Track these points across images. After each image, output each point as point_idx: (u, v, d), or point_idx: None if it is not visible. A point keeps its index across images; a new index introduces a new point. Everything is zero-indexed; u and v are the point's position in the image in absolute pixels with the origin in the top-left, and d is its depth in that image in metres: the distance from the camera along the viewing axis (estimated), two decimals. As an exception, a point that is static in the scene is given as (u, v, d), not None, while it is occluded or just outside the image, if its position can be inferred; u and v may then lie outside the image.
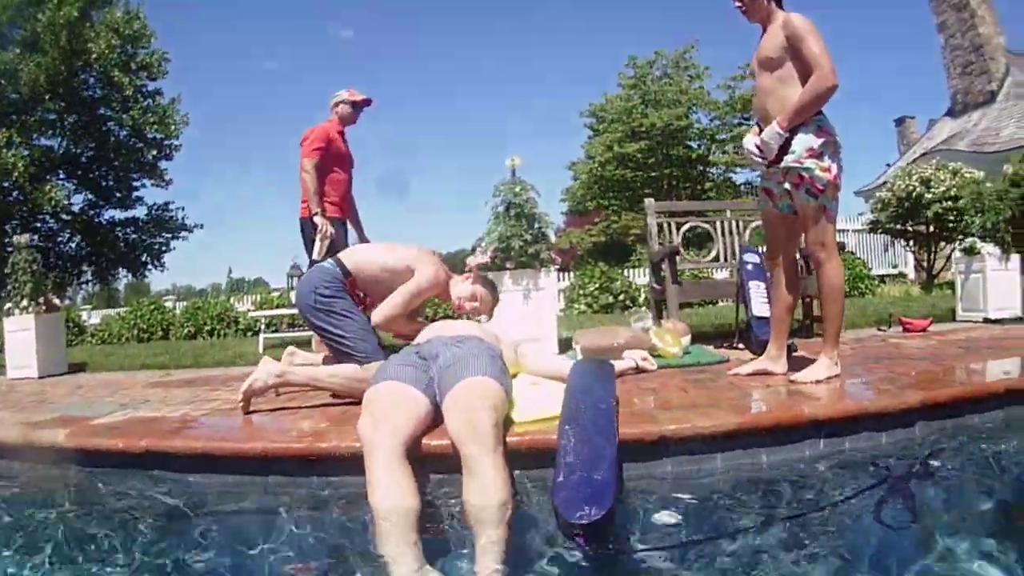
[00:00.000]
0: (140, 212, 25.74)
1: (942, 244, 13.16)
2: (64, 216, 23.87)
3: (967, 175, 12.09)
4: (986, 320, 7.10)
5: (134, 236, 25.58)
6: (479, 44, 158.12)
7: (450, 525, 2.52)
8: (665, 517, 2.49)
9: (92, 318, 17.61)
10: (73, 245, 25.26)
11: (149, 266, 26.24)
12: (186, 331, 14.32)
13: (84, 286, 28.46)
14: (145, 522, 2.74)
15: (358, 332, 4.16)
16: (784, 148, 3.74)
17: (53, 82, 21.14)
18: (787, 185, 3.79)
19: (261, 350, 9.13)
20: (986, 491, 2.81)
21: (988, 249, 7.39)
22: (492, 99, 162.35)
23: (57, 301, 7.64)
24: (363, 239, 6.54)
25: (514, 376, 3.56)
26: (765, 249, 4.66)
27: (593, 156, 29.53)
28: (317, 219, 5.83)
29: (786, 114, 3.67)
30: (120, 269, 26.51)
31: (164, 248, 26.08)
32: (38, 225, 23.24)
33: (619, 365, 4.20)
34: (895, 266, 17.66)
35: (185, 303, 16.67)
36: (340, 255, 4.44)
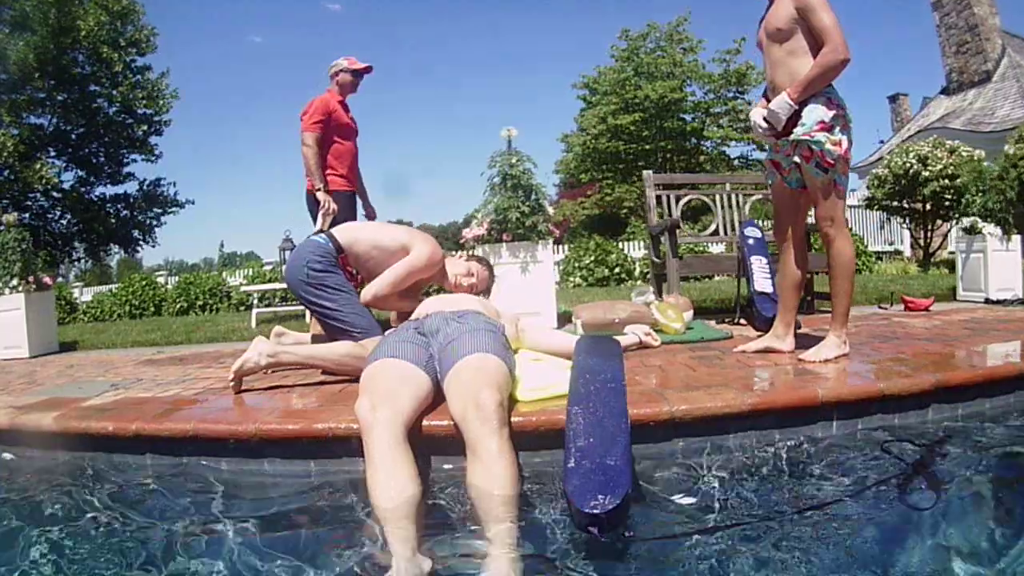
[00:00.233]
0: (131, 188, 25.78)
1: (938, 222, 13.10)
2: (55, 194, 23.86)
3: (964, 153, 12.06)
4: (987, 301, 7.01)
5: (125, 212, 25.60)
6: (467, 15, 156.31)
7: (454, 512, 2.41)
8: (680, 501, 2.41)
9: (84, 295, 17.53)
10: (64, 222, 25.22)
11: (141, 242, 26.24)
12: (178, 306, 14.24)
13: (76, 263, 28.52)
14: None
15: (353, 307, 4.06)
16: (793, 120, 3.67)
17: (42, 60, 21.13)
18: (796, 158, 3.70)
19: (254, 325, 9.07)
20: (1001, 475, 2.75)
21: (989, 229, 7.30)
22: (483, 70, 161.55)
23: (48, 279, 7.51)
24: (369, 210, 6.47)
25: (514, 352, 3.45)
26: (772, 223, 4.56)
27: (586, 128, 29.43)
28: (320, 195, 5.75)
29: (796, 85, 3.59)
30: (112, 245, 26.50)
31: (155, 223, 26.04)
32: (29, 203, 23.20)
33: (622, 341, 4.11)
34: (891, 243, 17.63)
35: (177, 278, 16.56)
36: (334, 230, 4.33)
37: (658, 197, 6.88)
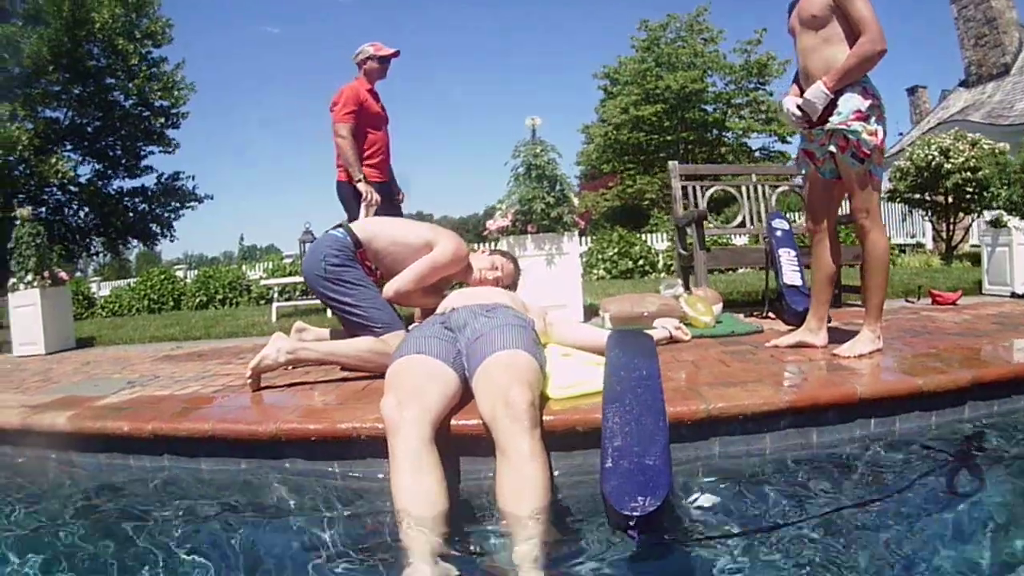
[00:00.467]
0: (149, 181, 25.80)
1: (960, 215, 12.97)
2: (72, 188, 23.87)
3: (987, 146, 11.93)
4: (1013, 295, 6.88)
5: (143, 206, 25.64)
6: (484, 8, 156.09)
7: (482, 516, 2.32)
8: (714, 502, 2.34)
9: (102, 290, 17.56)
10: (81, 216, 25.24)
11: (159, 236, 26.30)
12: (198, 300, 14.27)
13: (95, 257, 28.60)
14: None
15: (373, 301, 3.97)
16: (828, 109, 3.58)
17: (56, 53, 21.12)
18: (832, 147, 3.60)
19: (274, 319, 9.05)
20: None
21: (1015, 223, 7.17)
22: (503, 61, 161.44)
23: (64, 274, 7.47)
24: (400, 195, 6.38)
25: (543, 347, 3.36)
26: (804, 215, 4.47)
27: (607, 119, 29.41)
28: (360, 186, 5.69)
29: (833, 74, 3.50)
30: (130, 239, 26.54)
31: (173, 217, 26.09)
32: (45, 198, 23.25)
33: (652, 335, 4.01)
34: (912, 236, 17.47)
35: (196, 272, 16.58)
36: (352, 224, 4.24)
37: (684, 188, 6.79)
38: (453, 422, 2.62)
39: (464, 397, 2.73)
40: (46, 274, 7.14)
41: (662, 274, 13.75)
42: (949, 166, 11.97)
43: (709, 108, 28.73)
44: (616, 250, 14.51)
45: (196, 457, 2.97)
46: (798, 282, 5.19)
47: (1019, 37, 21.69)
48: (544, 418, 2.54)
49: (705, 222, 6.23)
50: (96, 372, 5.06)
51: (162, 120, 24.93)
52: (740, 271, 12.32)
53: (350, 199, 5.81)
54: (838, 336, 3.95)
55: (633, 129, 28.52)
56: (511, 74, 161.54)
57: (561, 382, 2.95)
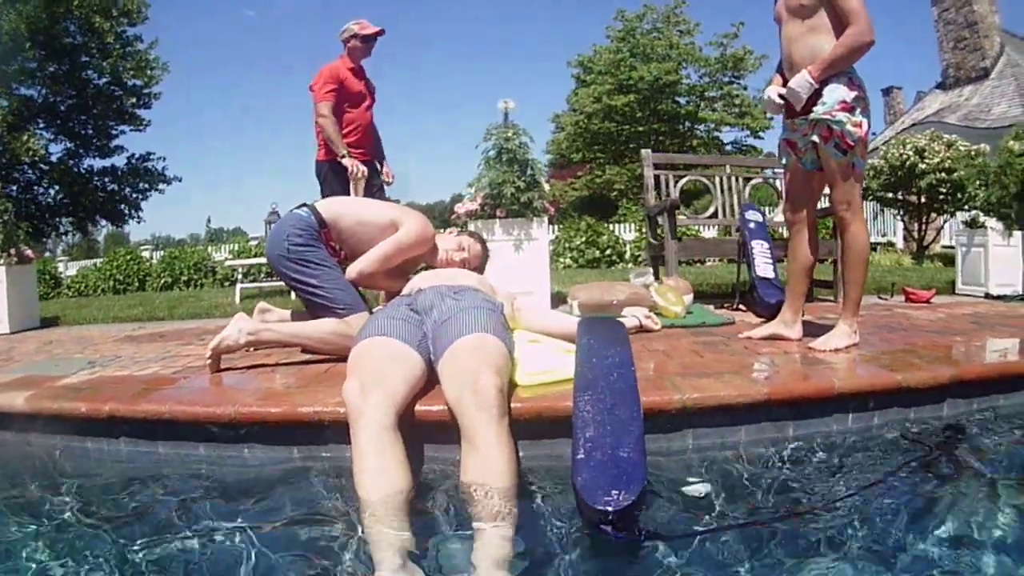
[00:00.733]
0: (119, 161, 25.50)
1: (932, 215, 13.05)
2: (42, 166, 23.56)
3: (963, 148, 12.00)
4: (987, 296, 6.92)
5: (112, 185, 25.37)
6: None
7: (445, 506, 2.21)
8: (694, 494, 2.27)
9: (69, 270, 17.34)
10: (51, 194, 24.93)
11: (127, 216, 26.06)
12: (163, 282, 14.11)
13: (63, 237, 28.29)
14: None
15: (337, 282, 3.84)
16: (812, 99, 3.54)
17: (34, 30, 20.83)
18: (814, 138, 3.56)
19: (238, 300, 8.93)
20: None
21: (991, 224, 7.20)
22: (476, 46, 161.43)
23: (30, 252, 7.30)
24: (374, 180, 6.24)
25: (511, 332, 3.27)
26: (782, 205, 4.42)
27: (578, 108, 29.43)
28: (346, 161, 5.63)
29: (819, 64, 3.46)
30: (99, 219, 26.28)
31: (141, 198, 25.87)
32: (16, 176, 22.94)
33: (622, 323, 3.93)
34: (884, 235, 17.60)
35: (162, 253, 16.38)
36: (317, 204, 4.10)
37: (656, 177, 6.73)
38: (418, 407, 2.53)
39: (430, 381, 2.64)
40: (12, 252, 6.97)
41: (629, 264, 13.79)
42: (924, 166, 12.07)
43: (682, 100, 28.79)
44: (584, 239, 14.55)
45: (154, 440, 2.85)
46: (771, 274, 5.17)
47: (1000, 42, 21.79)
48: (512, 405, 2.45)
49: (677, 212, 6.17)
50: (58, 352, 4.94)
51: (134, 99, 24.64)
52: (709, 264, 12.35)
53: (330, 178, 5.76)
54: (811, 330, 3.94)
55: (604, 119, 28.55)
56: (481, 62, 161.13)
57: (529, 368, 2.87)
